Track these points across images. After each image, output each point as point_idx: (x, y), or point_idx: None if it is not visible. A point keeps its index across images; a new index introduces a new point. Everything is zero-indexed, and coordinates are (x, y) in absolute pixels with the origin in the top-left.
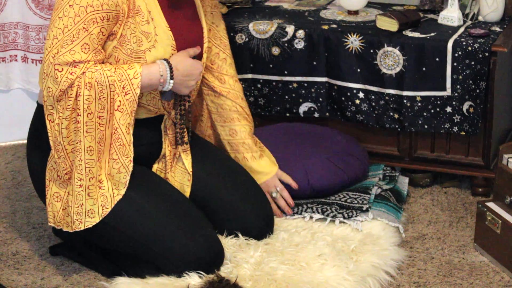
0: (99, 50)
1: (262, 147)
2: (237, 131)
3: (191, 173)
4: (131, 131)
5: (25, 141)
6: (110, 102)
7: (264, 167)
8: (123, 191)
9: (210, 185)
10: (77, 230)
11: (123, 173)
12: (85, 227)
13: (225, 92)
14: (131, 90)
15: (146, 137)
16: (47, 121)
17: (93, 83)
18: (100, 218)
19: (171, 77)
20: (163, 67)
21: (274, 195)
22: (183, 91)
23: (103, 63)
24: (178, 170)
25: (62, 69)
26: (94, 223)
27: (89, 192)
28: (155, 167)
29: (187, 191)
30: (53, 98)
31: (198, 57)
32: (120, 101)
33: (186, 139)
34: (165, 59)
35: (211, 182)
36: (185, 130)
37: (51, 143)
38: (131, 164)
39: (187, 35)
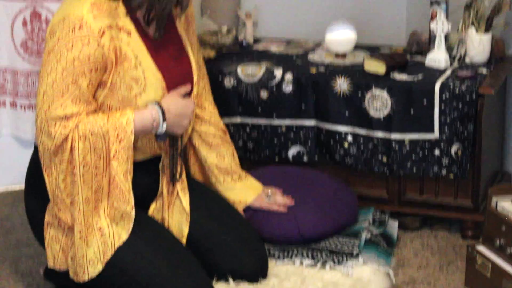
0: (90, 101)
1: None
2: (224, 155)
3: (189, 212)
4: (130, 178)
5: (14, 187)
6: (105, 151)
7: (252, 184)
8: (125, 236)
9: (206, 225)
10: (82, 282)
11: (125, 220)
12: (90, 278)
13: (207, 118)
14: (125, 137)
15: (144, 179)
16: (45, 174)
17: (87, 134)
18: (103, 265)
19: (164, 120)
20: (155, 111)
21: (270, 199)
22: (177, 131)
23: (95, 111)
24: (176, 210)
25: (55, 123)
26: (98, 272)
27: (88, 241)
28: (153, 207)
29: (185, 231)
30: (50, 152)
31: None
32: (115, 149)
33: (183, 176)
34: (156, 103)
35: (208, 223)
36: (182, 166)
37: (50, 196)
38: (133, 211)
39: (176, 73)
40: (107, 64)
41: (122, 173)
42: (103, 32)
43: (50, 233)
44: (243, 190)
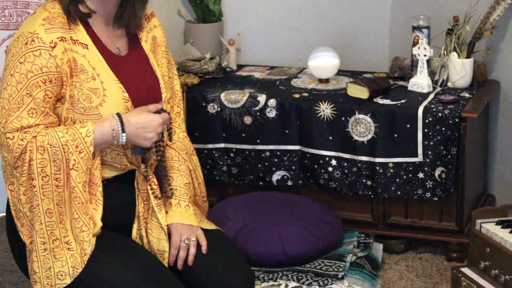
0: (47, 113)
1: (196, 208)
2: (174, 178)
3: (165, 228)
4: (87, 189)
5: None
6: (65, 162)
7: (184, 216)
8: (89, 250)
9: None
10: None
11: (85, 232)
12: None
13: (171, 143)
14: (85, 148)
15: (120, 197)
16: (8, 191)
17: (45, 146)
18: (72, 279)
19: (123, 130)
20: (114, 121)
21: (185, 242)
22: (143, 143)
23: (59, 125)
24: (154, 226)
25: (13, 136)
26: (65, 285)
27: (55, 254)
28: (135, 227)
29: (165, 246)
30: (10, 166)
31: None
32: (74, 159)
33: (156, 190)
34: (117, 114)
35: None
36: (155, 182)
37: (12, 212)
38: (91, 222)
39: (141, 86)
40: (62, 75)
41: (81, 183)
42: (55, 44)
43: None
44: (173, 215)
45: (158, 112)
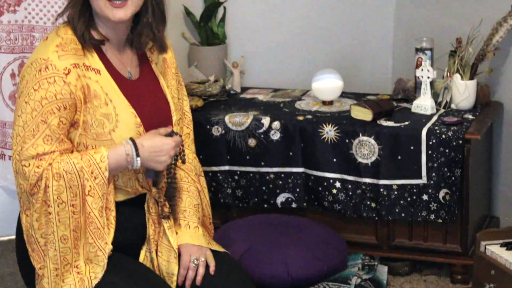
0: (62, 139)
1: (205, 230)
2: (183, 199)
3: (176, 250)
4: (104, 214)
5: (3, 238)
6: (81, 189)
7: (194, 237)
8: (100, 274)
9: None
10: None
11: (100, 256)
12: None
13: (180, 164)
14: (100, 173)
15: (130, 220)
16: (23, 217)
17: (61, 173)
18: None
19: (137, 155)
20: (128, 146)
21: (195, 263)
22: (157, 167)
23: (72, 152)
24: (164, 249)
25: (29, 164)
26: None
27: (64, 278)
28: (143, 252)
29: (175, 269)
30: (27, 193)
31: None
32: (90, 185)
33: (167, 212)
34: (131, 138)
35: None
36: (166, 204)
37: (25, 237)
38: (108, 247)
39: (152, 110)
40: (76, 102)
41: (97, 209)
42: (69, 71)
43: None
44: (182, 235)
45: (170, 135)
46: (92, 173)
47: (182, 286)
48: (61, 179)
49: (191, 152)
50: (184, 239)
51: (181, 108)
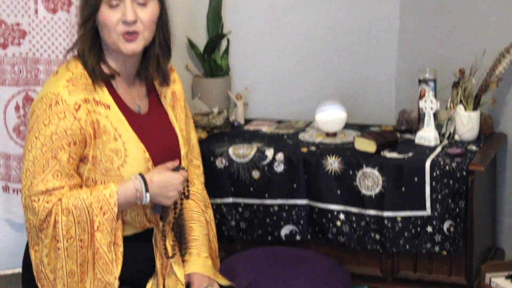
0: (71, 175)
1: (214, 260)
2: (194, 228)
3: (184, 283)
4: (113, 249)
5: (7, 272)
6: (89, 224)
7: (205, 266)
8: None
9: None
10: None
11: None
12: None
13: (191, 194)
14: (109, 209)
15: (137, 254)
16: (31, 251)
17: (70, 208)
18: None
19: (146, 190)
20: (137, 182)
21: None
22: (165, 202)
23: (81, 187)
24: (171, 281)
25: (39, 199)
26: None
27: None
28: (151, 282)
29: None
30: (36, 229)
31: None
32: (99, 221)
33: (175, 251)
34: (140, 174)
35: None
36: (175, 241)
37: (34, 272)
38: (117, 282)
39: (161, 145)
40: (86, 137)
41: (106, 244)
42: (79, 106)
43: None
44: (194, 264)
45: (177, 169)
46: (101, 208)
47: None
48: (70, 215)
49: (200, 183)
50: (195, 268)
51: (189, 141)
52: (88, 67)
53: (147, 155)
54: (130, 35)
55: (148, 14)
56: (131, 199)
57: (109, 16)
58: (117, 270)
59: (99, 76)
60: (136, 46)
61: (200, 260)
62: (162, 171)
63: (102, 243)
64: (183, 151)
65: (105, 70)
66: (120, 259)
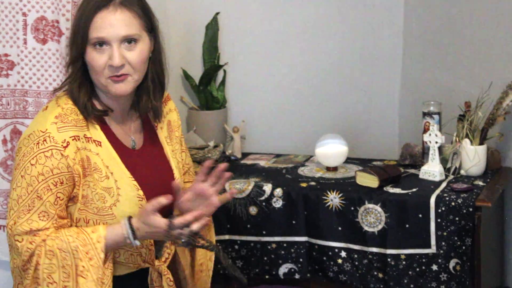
0: (59, 215)
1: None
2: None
3: None
4: None
5: None
6: (75, 268)
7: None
8: None
9: None
10: None
11: None
12: None
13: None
14: (96, 254)
15: None
16: None
17: (55, 250)
18: None
19: (135, 238)
20: (125, 229)
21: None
22: (161, 239)
23: (70, 226)
24: None
25: (22, 239)
26: None
27: None
28: None
29: None
30: (19, 269)
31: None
32: (83, 266)
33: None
34: (128, 220)
35: None
36: (171, 279)
37: None
38: None
39: (155, 180)
40: (74, 176)
41: None
42: (68, 144)
43: None
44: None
45: (170, 217)
46: (87, 253)
47: None
48: (54, 258)
49: None
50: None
51: (185, 168)
52: (79, 105)
53: (140, 192)
54: (118, 77)
55: (136, 55)
56: (121, 244)
57: (95, 59)
58: None
59: (91, 113)
60: (125, 88)
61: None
62: (147, 217)
63: None
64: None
65: (98, 106)
66: None
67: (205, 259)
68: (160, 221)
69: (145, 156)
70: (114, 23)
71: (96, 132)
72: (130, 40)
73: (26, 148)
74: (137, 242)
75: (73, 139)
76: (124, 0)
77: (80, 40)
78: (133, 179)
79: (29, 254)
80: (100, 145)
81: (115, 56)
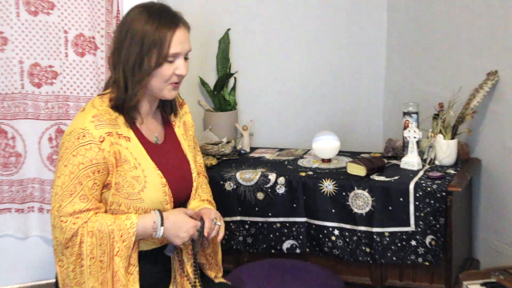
0: (96, 198)
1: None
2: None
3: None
4: (129, 271)
5: (42, 282)
6: (110, 248)
7: (209, 206)
8: None
9: None
10: None
11: None
12: None
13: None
14: (128, 238)
15: (156, 267)
16: (57, 267)
17: (94, 231)
18: None
19: (162, 224)
20: (155, 216)
21: (214, 222)
22: (176, 241)
23: (105, 212)
24: (188, 286)
25: (67, 220)
26: None
27: None
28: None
29: None
30: (62, 246)
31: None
32: (118, 247)
33: (192, 278)
34: (159, 210)
35: None
36: (196, 272)
37: (60, 285)
38: None
39: (175, 170)
40: (108, 166)
41: (123, 268)
42: (103, 139)
43: None
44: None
45: (202, 224)
46: (121, 236)
47: None
48: (94, 237)
49: (206, 193)
50: (203, 206)
51: (199, 163)
52: (125, 109)
53: (164, 180)
54: (176, 84)
55: (188, 66)
56: (148, 231)
57: (167, 69)
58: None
59: (130, 120)
60: (176, 93)
61: (204, 204)
62: (178, 212)
63: (120, 266)
64: (194, 174)
65: (134, 115)
66: (137, 278)
67: (217, 230)
68: (190, 219)
69: (166, 149)
70: (184, 39)
71: (126, 130)
72: (187, 54)
73: (68, 143)
74: (162, 231)
75: (107, 135)
76: (184, 20)
77: (158, 53)
78: (157, 168)
79: (72, 233)
80: (129, 141)
81: (184, 67)
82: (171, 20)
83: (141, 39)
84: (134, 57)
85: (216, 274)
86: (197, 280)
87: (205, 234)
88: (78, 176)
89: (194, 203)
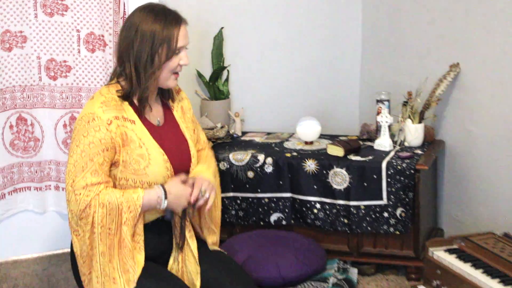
0: (105, 174)
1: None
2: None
3: (198, 264)
4: (134, 239)
5: (58, 251)
6: (118, 217)
7: (208, 173)
8: (132, 285)
9: (214, 275)
10: None
11: (131, 273)
12: None
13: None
14: (134, 209)
15: (159, 237)
16: (73, 236)
17: (105, 203)
18: None
19: (165, 198)
20: (159, 190)
21: (202, 194)
22: (177, 209)
23: (114, 186)
24: (188, 262)
25: (80, 193)
26: None
27: (105, 286)
28: (171, 261)
29: (197, 283)
30: (76, 217)
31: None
32: (126, 217)
33: (190, 226)
34: (161, 185)
35: (216, 273)
36: (189, 225)
37: (78, 251)
38: (137, 266)
39: (176, 149)
40: (115, 145)
41: (130, 235)
42: (111, 121)
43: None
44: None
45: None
46: (129, 207)
47: None
48: (104, 208)
49: (206, 148)
50: (200, 171)
51: (198, 139)
52: (138, 100)
53: (165, 157)
54: (177, 74)
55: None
56: (153, 204)
57: (174, 61)
58: (141, 255)
59: (140, 106)
60: (177, 81)
61: (205, 169)
62: (176, 184)
63: (127, 234)
64: (192, 152)
65: (144, 103)
66: (142, 246)
67: (217, 199)
68: (186, 187)
69: (166, 130)
70: (186, 34)
71: (131, 114)
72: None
73: (80, 126)
74: (165, 203)
75: (115, 118)
76: (183, 17)
77: (168, 48)
78: (159, 147)
79: (86, 204)
80: (134, 123)
81: (186, 57)
82: (175, 18)
83: (151, 37)
84: (146, 54)
85: (212, 240)
86: (181, 242)
87: (191, 200)
88: (89, 154)
89: (197, 168)
